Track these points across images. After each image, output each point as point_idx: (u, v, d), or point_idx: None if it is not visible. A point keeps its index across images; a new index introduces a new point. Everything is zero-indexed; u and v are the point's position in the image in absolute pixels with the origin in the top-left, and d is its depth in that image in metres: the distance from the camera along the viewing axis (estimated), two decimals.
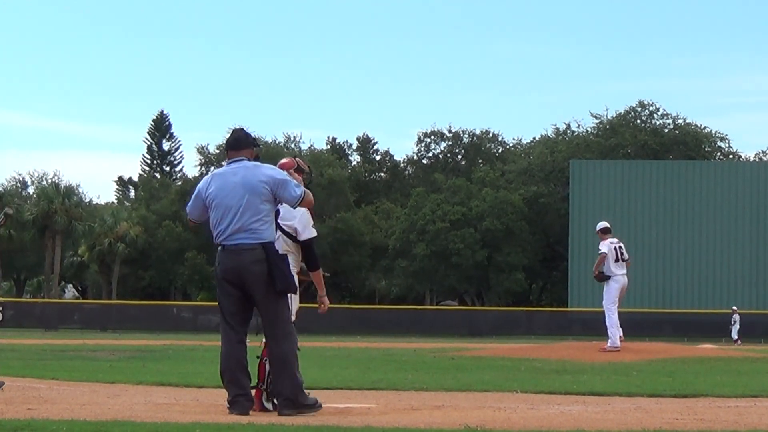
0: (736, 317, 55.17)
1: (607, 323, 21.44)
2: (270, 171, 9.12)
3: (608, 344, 21.47)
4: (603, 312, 21.55)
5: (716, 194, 68.56)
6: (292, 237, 9.58)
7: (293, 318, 9.55)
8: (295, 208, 9.42)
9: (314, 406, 8.99)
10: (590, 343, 24.63)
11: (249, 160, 9.21)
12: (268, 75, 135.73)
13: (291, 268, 9.35)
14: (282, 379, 8.91)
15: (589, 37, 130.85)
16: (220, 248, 9.10)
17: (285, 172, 9.23)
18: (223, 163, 9.46)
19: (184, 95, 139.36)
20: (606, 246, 21.70)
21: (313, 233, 9.68)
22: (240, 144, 9.29)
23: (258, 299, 8.98)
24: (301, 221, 9.59)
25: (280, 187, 9.04)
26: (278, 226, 9.45)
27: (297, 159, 10.14)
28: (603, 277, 21.66)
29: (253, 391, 9.19)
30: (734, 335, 53.75)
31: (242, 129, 9.49)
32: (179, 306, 72.46)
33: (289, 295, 9.26)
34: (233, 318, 9.09)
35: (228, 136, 9.41)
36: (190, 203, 9.34)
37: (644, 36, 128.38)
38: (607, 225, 22.50)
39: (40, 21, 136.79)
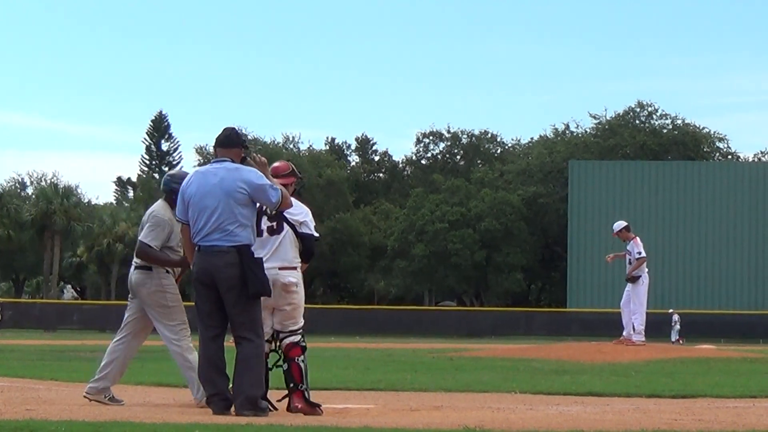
0: (676, 317, 55.16)
1: (638, 320, 21.69)
2: (248, 175, 9.00)
3: (639, 339, 21.74)
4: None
5: (715, 194, 68.59)
6: (296, 230, 9.52)
7: (302, 321, 9.56)
8: (273, 212, 9.36)
9: (266, 412, 8.99)
10: (589, 343, 24.65)
11: (233, 161, 9.11)
12: (267, 75, 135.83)
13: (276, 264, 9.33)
14: (246, 379, 8.89)
15: (588, 37, 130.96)
16: (197, 248, 9.08)
17: (263, 176, 9.07)
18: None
19: (183, 95, 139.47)
20: (642, 247, 21.81)
21: (315, 234, 9.66)
22: (230, 142, 9.19)
23: (229, 302, 8.95)
24: (307, 217, 9.56)
25: (258, 192, 8.98)
26: (285, 219, 9.41)
27: (291, 164, 10.04)
28: (635, 278, 21.77)
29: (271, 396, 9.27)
30: (674, 336, 53.68)
31: (233, 128, 9.35)
32: None
33: (301, 297, 9.37)
34: (208, 318, 9.07)
35: (219, 133, 9.30)
36: (177, 204, 9.27)
37: (643, 36, 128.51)
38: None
39: (40, 21, 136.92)
